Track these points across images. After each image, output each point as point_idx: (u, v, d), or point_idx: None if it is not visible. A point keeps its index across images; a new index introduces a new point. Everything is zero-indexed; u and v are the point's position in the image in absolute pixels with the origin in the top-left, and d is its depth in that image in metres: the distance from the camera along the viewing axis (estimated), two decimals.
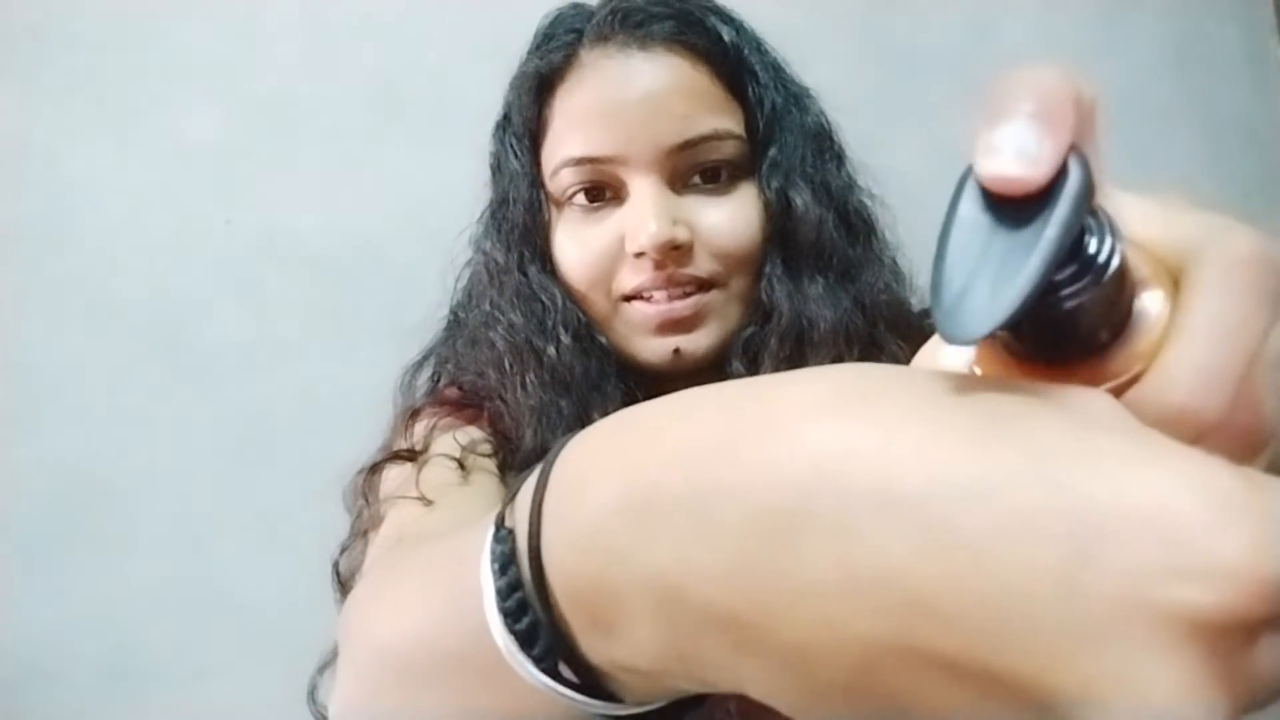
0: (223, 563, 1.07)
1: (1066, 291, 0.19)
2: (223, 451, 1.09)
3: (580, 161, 0.57)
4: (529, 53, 0.61)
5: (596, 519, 0.21)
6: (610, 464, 0.22)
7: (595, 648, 0.23)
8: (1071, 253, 0.19)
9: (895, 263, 0.64)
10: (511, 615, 0.23)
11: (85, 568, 1.04)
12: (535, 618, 0.23)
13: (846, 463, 0.17)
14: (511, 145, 0.61)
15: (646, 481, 0.20)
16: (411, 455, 0.56)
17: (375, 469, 0.58)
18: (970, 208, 0.20)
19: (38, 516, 1.04)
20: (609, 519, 0.21)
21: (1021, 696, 0.16)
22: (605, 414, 0.54)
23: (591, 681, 0.24)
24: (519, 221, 0.60)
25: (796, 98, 0.62)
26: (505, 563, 0.24)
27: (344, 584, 0.60)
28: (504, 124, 0.63)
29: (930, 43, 1.42)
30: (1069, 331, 0.20)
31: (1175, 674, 0.15)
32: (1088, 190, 0.19)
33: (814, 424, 0.18)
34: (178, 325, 1.10)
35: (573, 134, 0.57)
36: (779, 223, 0.58)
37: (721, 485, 0.19)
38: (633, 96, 0.56)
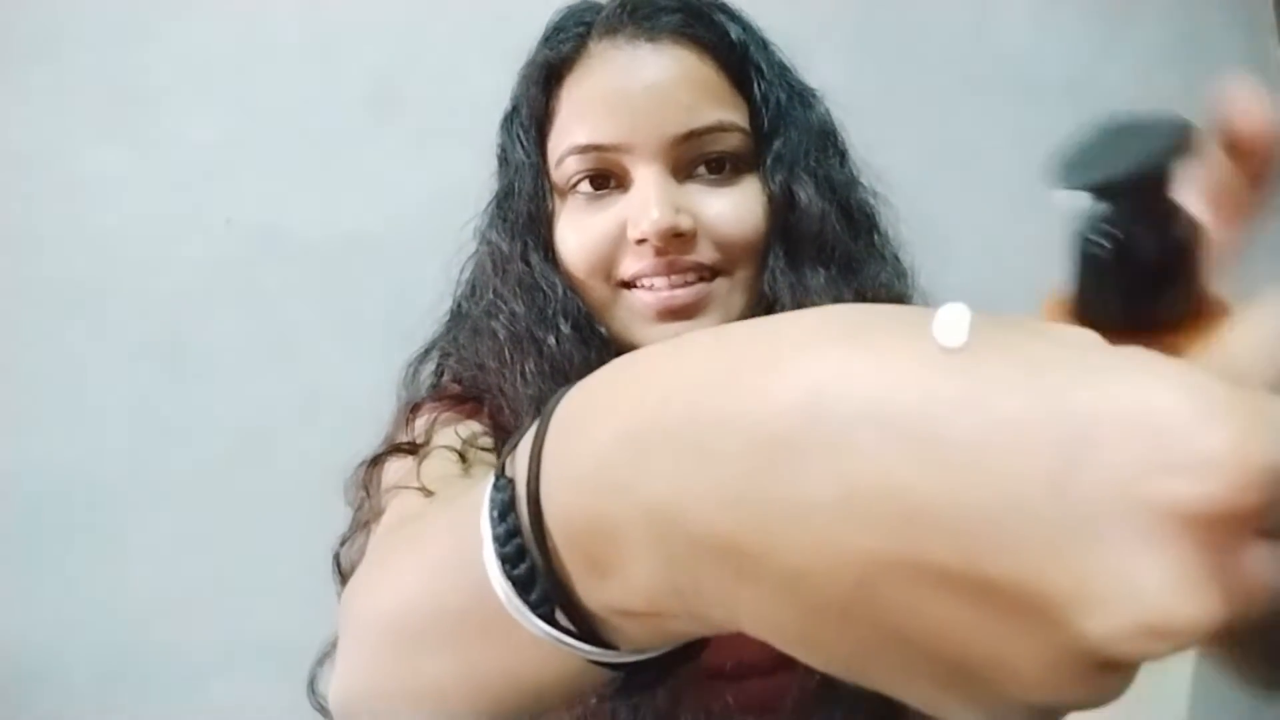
0: (222, 563, 1.07)
1: (1139, 228, 0.22)
2: (222, 451, 1.09)
3: (585, 149, 0.57)
4: (538, 45, 0.62)
5: (597, 454, 0.21)
6: (610, 401, 0.22)
7: (591, 591, 0.23)
8: (1153, 208, 0.22)
9: (898, 259, 0.64)
10: (509, 561, 0.24)
11: (85, 568, 1.05)
12: (533, 563, 0.23)
13: (843, 385, 0.18)
14: (519, 136, 0.62)
15: (646, 414, 0.21)
16: (413, 448, 0.56)
17: (376, 462, 0.59)
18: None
19: (38, 516, 1.04)
20: (609, 453, 0.21)
21: (1016, 604, 0.16)
22: None
23: (587, 629, 0.24)
24: (523, 211, 0.60)
25: (801, 95, 0.63)
26: (504, 510, 0.24)
27: (345, 576, 0.60)
28: (512, 115, 0.64)
29: (930, 43, 1.42)
30: (1135, 287, 0.23)
31: (1167, 567, 0.15)
32: (1185, 138, 0.22)
33: (811, 353, 0.19)
34: (178, 325, 1.10)
35: (579, 122, 0.58)
36: (782, 215, 0.59)
37: (721, 413, 0.19)
38: (639, 86, 0.56)
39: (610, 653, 0.24)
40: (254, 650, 1.05)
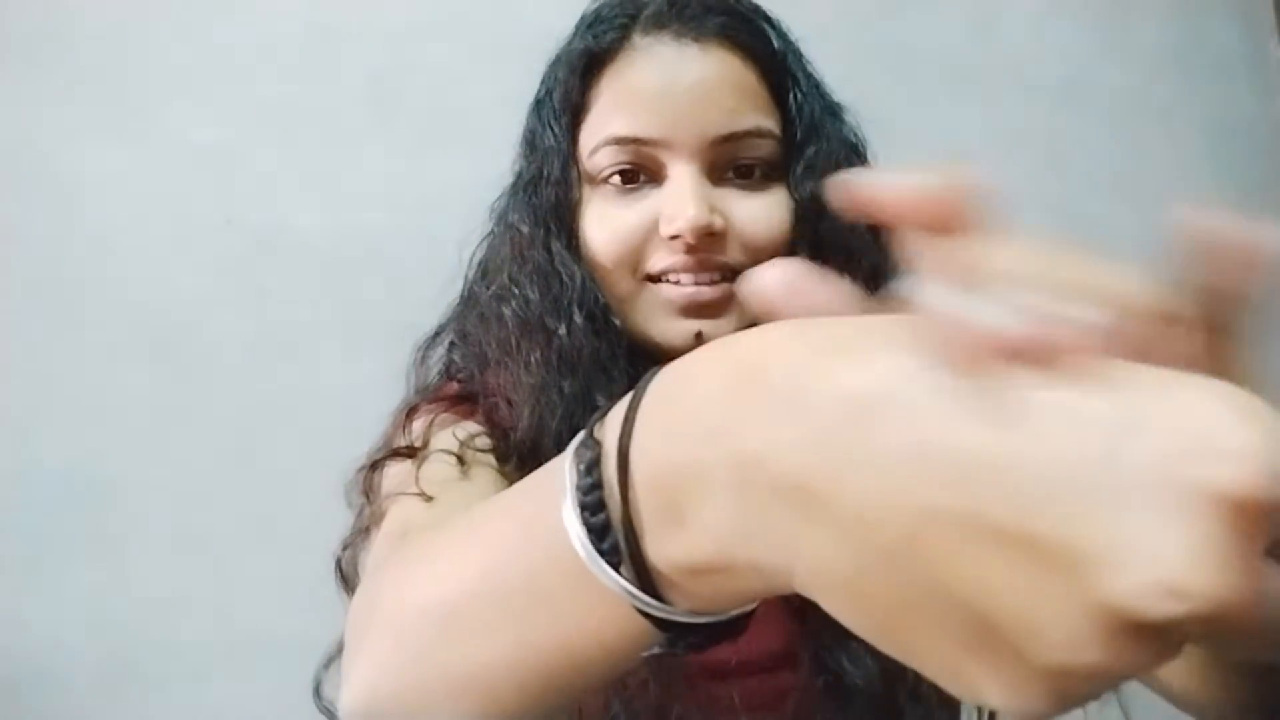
0: (222, 563, 1.07)
1: None
2: (223, 451, 1.09)
3: (624, 141, 0.57)
4: (576, 34, 0.62)
5: (699, 404, 0.24)
6: (718, 362, 0.25)
7: (661, 545, 0.25)
8: None
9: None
10: (589, 509, 0.26)
11: (85, 568, 1.05)
12: (607, 517, 0.26)
13: (931, 363, 0.20)
14: (550, 122, 0.61)
15: (746, 373, 0.23)
16: (411, 452, 0.56)
17: (375, 466, 0.58)
18: None
19: (38, 516, 1.04)
20: (710, 404, 0.24)
21: (1052, 559, 0.18)
22: (609, 397, 0.56)
23: (649, 588, 0.26)
24: (549, 197, 0.60)
25: (833, 110, 0.64)
26: (591, 464, 0.26)
27: (347, 580, 0.60)
28: (544, 101, 0.64)
29: (930, 43, 1.42)
30: None
31: (1191, 538, 0.17)
32: None
33: (901, 337, 0.21)
34: (178, 325, 1.10)
35: (619, 114, 0.58)
36: (810, 223, 0.59)
37: (817, 372, 0.21)
38: (684, 83, 0.57)
39: (668, 609, 0.26)
40: (254, 650, 1.05)
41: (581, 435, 0.27)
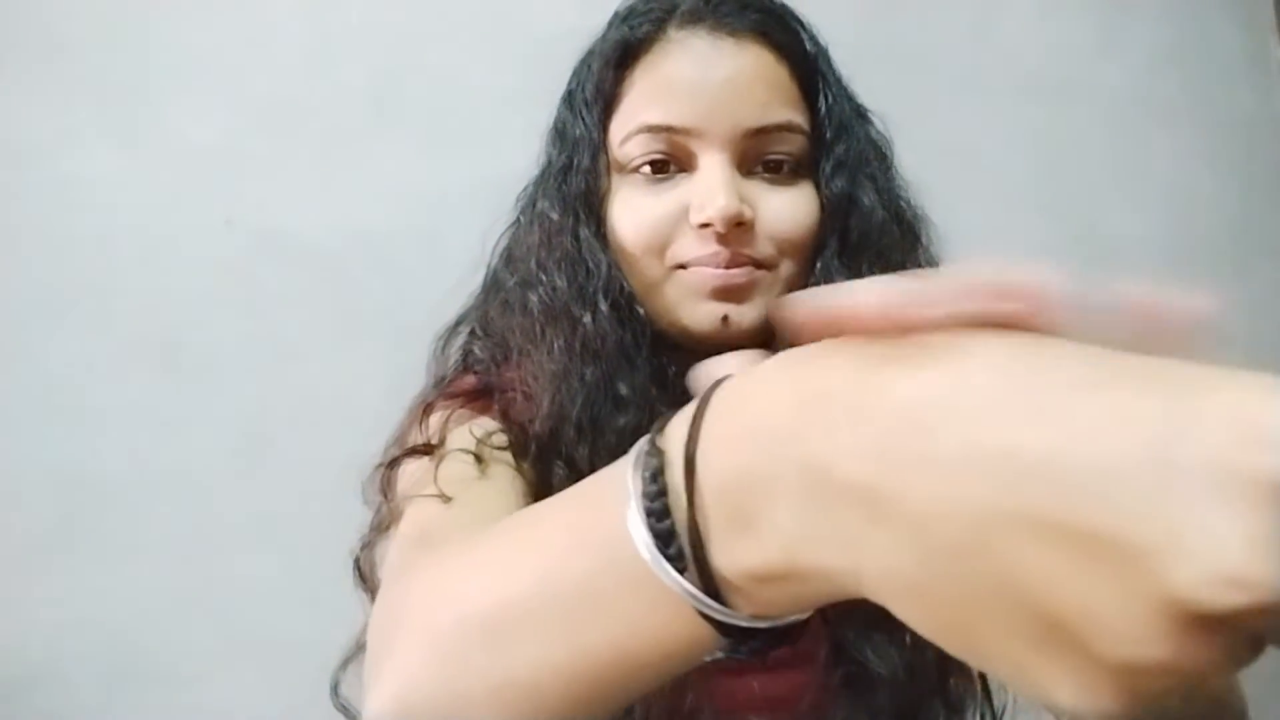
0: (223, 563, 1.07)
1: None
2: (223, 451, 1.09)
3: (657, 129, 0.58)
4: (610, 27, 0.64)
5: (764, 414, 0.25)
6: (781, 375, 0.26)
7: (727, 550, 0.25)
8: None
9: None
10: (654, 515, 0.26)
11: (85, 568, 1.05)
12: (672, 524, 0.26)
13: (984, 368, 0.21)
14: (581, 112, 0.63)
15: (816, 384, 0.24)
16: (428, 449, 0.57)
17: (393, 464, 0.58)
18: None
19: (38, 516, 1.04)
20: (775, 414, 0.25)
21: (1113, 554, 0.18)
22: (631, 386, 0.57)
23: (713, 594, 0.26)
24: (579, 186, 0.61)
25: (860, 112, 0.65)
26: (655, 472, 0.27)
27: (365, 579, 0.60)
28: (575, 92, 0.65)
29: (930, 43, 1.42)
30: None
31: (1251, 527, 0.17)
32: None
33: (961, 348, 0.22)
34: (178, 325, 1.10)
35: (653, 103, 0.59)
36: (839, 218, 0.60)
37: (877, 382, 0.23)
38: (718, 75, 0.58)
39: (732, 613, 0.26)
40: (254, 650, 1.05)
41: (643, 444, 0.28)
